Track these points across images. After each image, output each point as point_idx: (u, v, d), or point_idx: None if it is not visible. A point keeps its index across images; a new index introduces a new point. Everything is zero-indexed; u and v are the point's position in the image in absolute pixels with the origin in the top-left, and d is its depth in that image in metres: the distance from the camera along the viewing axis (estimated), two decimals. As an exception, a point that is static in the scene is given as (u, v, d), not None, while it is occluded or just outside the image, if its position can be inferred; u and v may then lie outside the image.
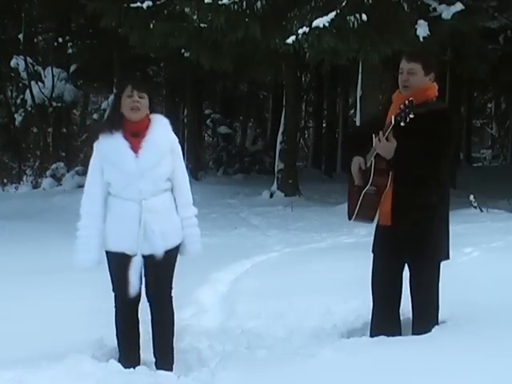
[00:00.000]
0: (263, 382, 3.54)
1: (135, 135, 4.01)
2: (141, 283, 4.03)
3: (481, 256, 6.28)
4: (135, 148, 3.98)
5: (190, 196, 4.19)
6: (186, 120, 21.39)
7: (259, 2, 11.11)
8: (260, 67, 15.70)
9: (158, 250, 4.00)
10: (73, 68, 21.88)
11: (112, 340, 4.21)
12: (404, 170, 3.95)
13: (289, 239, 9.37)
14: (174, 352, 4.17)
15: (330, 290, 5.49)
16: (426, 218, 4.00)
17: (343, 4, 10.39)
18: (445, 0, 11.36)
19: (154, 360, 4.15)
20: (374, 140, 3.95)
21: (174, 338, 4.18)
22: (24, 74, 22.07)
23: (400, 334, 4.12)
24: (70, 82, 21.99)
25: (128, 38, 13.18)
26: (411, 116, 3.77)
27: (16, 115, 23.91)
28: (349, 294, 5.19)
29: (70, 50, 21.30)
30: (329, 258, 7.02)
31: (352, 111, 26.78)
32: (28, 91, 22.17)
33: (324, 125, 26.32)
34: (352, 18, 10.30)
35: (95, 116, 25.09)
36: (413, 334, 4.06)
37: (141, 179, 3.96)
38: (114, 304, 4.13)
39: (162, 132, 4.08)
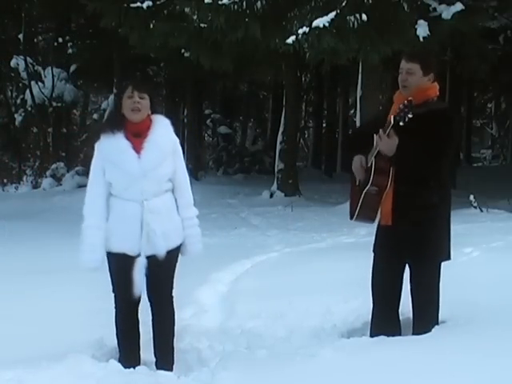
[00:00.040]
0: (263, 382, 3.54)
1: (137, 135, 4.01)
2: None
3: (481, 256, 6.28)
4: (137, 148, 3.98)
5: (190, 197, 4.19)
6: (185, 120, 21.39)
7: (259, 2, 11.10)
8: (260, 67, 15.70)
9: (160, 250, 4.00)
10: (73, 68, 21.89)
11: (112, 340, 4.21)
12: (405, 170, 3.96)
13: (289, 239, 9.37)
14: (175, 352, 4.17)
15: (330, 290, 5.49)
16: (426, 218, 4.00)
17: (343, 4, 10.39)
18: (445, 0, 11.36)
19: (154, 360, 4.15)
20: (375, 138, 3.96)
21: (175, 338, 4.18)
22: (24, 74, 22.08)
23: (400, 334, 4.12)
24: (70, 82, 22.00)
25: (128, 37, 13.17)
26: (410, 116, 3.78)
27: (16, 115, 23.92)
28: (349, 294, 5.19)
29: (70, 50, 21.31)
30: (329, 258, 7.02)
31: (352, 111, 26.79)
32: (28, 91, 22.18)
33: (324, 125, 26.33)
34: (352, 18, 10.30)
35: (95, 116, 25.12)
36: (413, 333, 4.06)
37: (143, 180, 3.96)
38: (114, 304, 4.12)
39: (163, 132, 4.08)
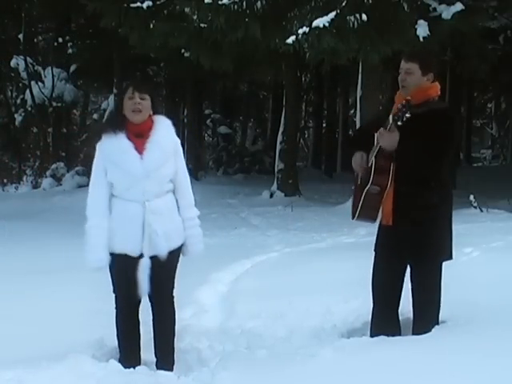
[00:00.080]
0: (263, 382, 3.54)
1: (139, 136, 4.01)
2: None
3: (481, 256, 6.28)
4: (140, 149, 3.98)
5: (191, 197, 4.20)
6: (186, 120, 21.39)
7: (259, 2, 11.10)
8: (260, 67, 15.69)
9: (162, 251, 4.00)
10: (73, 68, 21.89)
11: (112, 340, 4.22)
12: (405, 167, 3.96)
13: (289, 239, 9.36)
14: (175, 352, 4.17)
15: (330, 290, 5.49)
16: (428, 218, 4.00)
17: (343, 4, 10.39)
18: (445, 0, 11.36)
19: (154, 360, 4.15)
20: (376, 136, 3.97)
21: (175, 338, 4.19)
22: (24, 74, 22.08)
23: (400, 334, 4.12)
24: (70, 82, 22.00)
25: (128, 37, 13.17)
26: (407, 115, 3.80)
27: (16, 115, 23.93)
28: (349, 293, 5.19)
29: (70, 50, 21.30)
30: (329, 258, 7.02)
31: (352, 111, 26.79)
32: (28, 91, 22.18)
33: (324, 125, 26.34)
34: (352, 18, 10.30)
35: (95, 116, 25.13)
36: (413, 333, 4.06)
37: (145, 180, 3.96)
38: (114, 305, 4.12)
39: (165, 133, 4.08)
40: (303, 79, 25.49)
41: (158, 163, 3.98)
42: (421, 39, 10.60)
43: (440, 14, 11.19)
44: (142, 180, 3.96)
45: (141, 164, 3.95)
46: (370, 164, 4.06)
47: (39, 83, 21.76)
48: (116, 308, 4.12)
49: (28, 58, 21.83)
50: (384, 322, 4.15)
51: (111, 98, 20.34)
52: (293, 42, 10.48)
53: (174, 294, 4.15)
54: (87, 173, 16.87)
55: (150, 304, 4.12)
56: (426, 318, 4.06)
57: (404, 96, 3.97)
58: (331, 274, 6.07)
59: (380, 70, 12.69)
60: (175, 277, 4.13)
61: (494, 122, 34.75)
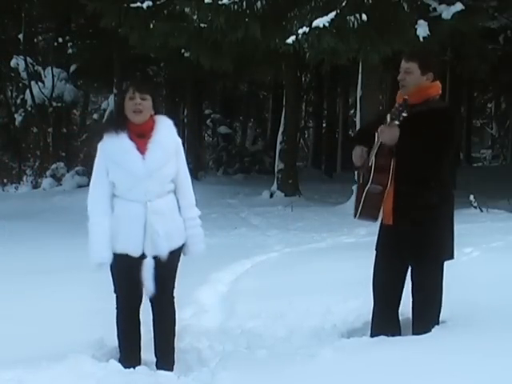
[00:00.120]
0: (263, 382, 3.54)
1: (141, 136, 4.00)
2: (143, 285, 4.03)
3: (481, 256, 6.28)
4: (141, 149, 3.97)
5: (193, 197, 4.20)
6: (186, 120, 21.40)
7: (259, 2, 11.10)
8: (260, 67, 15.69)
9: (163, 251, 4.00)
10: (73, 68, 21.89)
11: (112, 340, 4.21)
12: (405, 168, 3.96)
13: (289, 239, 9.36)
14: (175, 352, 4.17)
15: (330, 290, 5.49)
16: (428, 218, 4.00)
17: (343, 4, 10.38)
18: (445, 0, 11.36)
19: (154, 360, 4.15)
20: (377, 134, 3.98)
21: (175, 338, 4.19)
22: (24, 74, 22.08)
23: (400, 334, 4.12)
24: (70, 82, 22.00)
25: (128, 37, 13.17)
26: (404, 115, 3.83)
27: (16, 115, 23.93)
28: (349, 293, 5.19)
29: (70, 50, 21.30)
30: (329, 258, 7.02)
31: (352, 111, 26.81)
32: (28, 91, 22.18)
33: (324, 125, 26.34)
34: (352, 18, 10.30)
35: (95, 116, 25.13)
36: (413, 333, 4.06)
37: (147, 180, 3.96)
38: (115, 305, 4.12)
39: (167, 133, 4.08)
40: (303, 79, 25.49)
41: (159, 163, 3.98)
42: (421, 39, 10.60)
43: (440, 14, 11.19)
44: (144, 180, 3.95)
45: (143, 164, 3.95)
46: (370, 163, 4.07)
47: (39, 83, 21.76)
48: (117, 308, 4.12)
49: (28, 58, 21.83)
50: (384, 322, 4.15)
51: (111, 97, 20.35)
52: (293, 42, 10.48)
53: (175, 294, 4.15)
54: (87, 173, 16.88)
55: (150, 304, 4.12)
56: (426, 318, 4.06)
57: (404, 95, 3.99)
58: (331, 274, 6.07)
59: (380, 70, 12.70)
60: (176, 277, 4.13)
61: (493, 121, 34.76)
